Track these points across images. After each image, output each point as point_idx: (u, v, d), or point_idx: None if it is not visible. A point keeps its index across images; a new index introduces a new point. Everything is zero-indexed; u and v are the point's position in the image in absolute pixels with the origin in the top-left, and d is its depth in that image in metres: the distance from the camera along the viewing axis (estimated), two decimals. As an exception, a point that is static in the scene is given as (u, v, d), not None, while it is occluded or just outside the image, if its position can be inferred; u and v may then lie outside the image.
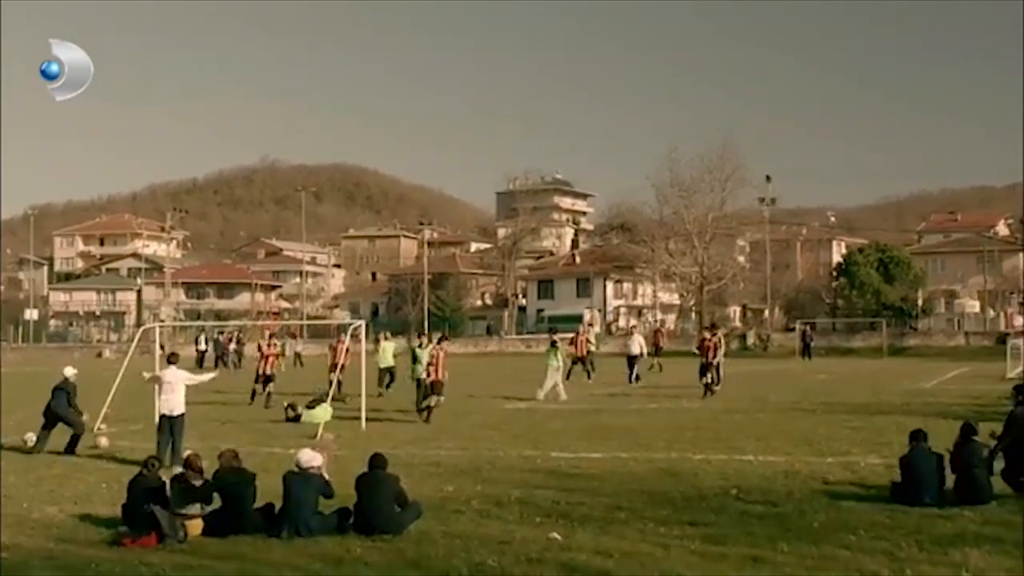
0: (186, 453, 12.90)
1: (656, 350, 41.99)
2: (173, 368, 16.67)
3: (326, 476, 11.01)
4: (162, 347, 26.26)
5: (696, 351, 31.60)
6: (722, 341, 30.25)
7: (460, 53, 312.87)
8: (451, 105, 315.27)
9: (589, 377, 34.04)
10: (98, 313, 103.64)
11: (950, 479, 12.25)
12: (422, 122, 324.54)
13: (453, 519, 11.23)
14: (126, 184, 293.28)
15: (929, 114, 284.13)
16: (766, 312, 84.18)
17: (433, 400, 22.36)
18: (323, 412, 20.04)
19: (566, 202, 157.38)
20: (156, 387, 16.71)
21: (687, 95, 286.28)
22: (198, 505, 10.62)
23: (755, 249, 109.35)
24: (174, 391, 16.31)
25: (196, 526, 10.49)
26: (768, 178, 76.00)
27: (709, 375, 28.18)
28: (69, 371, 18.53)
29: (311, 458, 10.81)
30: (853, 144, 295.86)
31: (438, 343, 23.95)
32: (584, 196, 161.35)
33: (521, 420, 22.11)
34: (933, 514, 11.40)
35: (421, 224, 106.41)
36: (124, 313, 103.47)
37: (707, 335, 30.02)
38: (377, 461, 10.88)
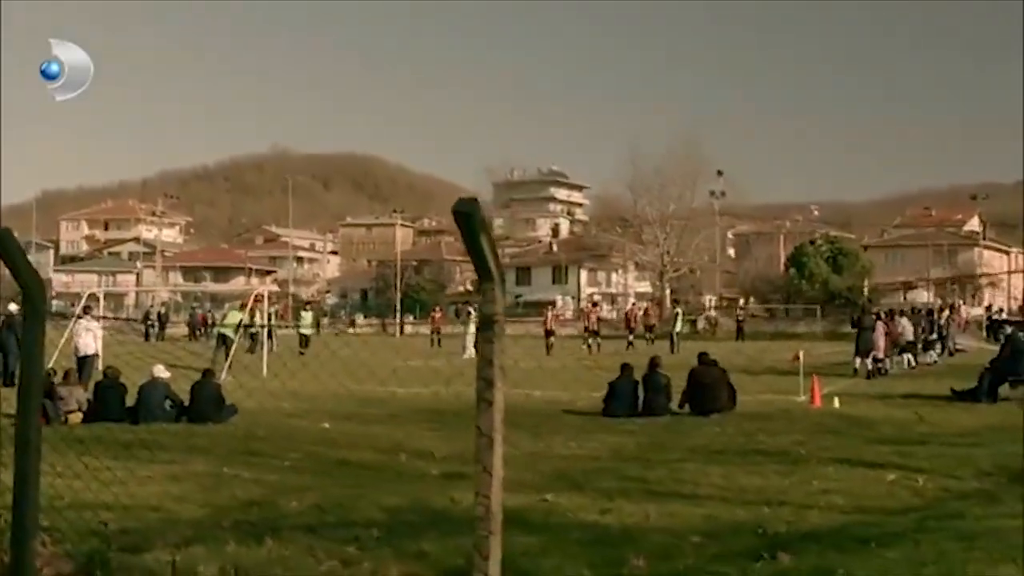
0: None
1: (630, 331, 45.11)
2: (86, 319, 21.44)
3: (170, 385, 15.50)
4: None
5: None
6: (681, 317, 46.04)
7: (474, 42, 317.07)
8: (460, 95, 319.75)
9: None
10: (99, 295, 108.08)
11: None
12: (432, 112, 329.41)
13: (272, 420, 15.68)
14: (138, 170, 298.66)
15: (936, 110, 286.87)
16: (741, 300, 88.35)
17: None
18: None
19: (561, 193, 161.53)
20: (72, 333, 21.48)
21: (693, 89, 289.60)
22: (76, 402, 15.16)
23: (739, 241, 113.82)
24: (89, 337, 21.01)
25: (77, 416, 14.97)
26: (720, 172, 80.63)
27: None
28: (13, 307, 22.89)
29: (160, 371, 15.25)
30: (863, 139, 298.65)
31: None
32: (580, 188, 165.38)
33: (399, 372, 26.00)
34: (615, 422, 15.71)
35: (395, 212, 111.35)
36: (124, 295, 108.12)
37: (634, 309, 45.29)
38: (206, 374, 15.33)
